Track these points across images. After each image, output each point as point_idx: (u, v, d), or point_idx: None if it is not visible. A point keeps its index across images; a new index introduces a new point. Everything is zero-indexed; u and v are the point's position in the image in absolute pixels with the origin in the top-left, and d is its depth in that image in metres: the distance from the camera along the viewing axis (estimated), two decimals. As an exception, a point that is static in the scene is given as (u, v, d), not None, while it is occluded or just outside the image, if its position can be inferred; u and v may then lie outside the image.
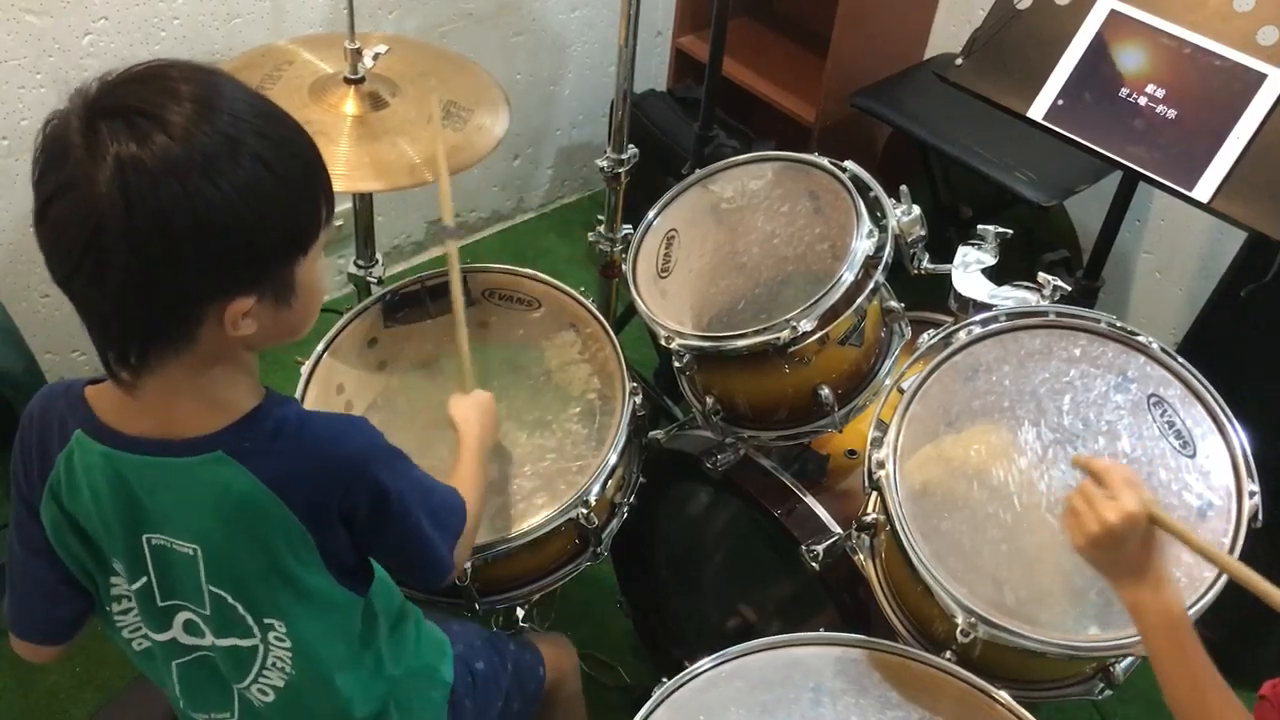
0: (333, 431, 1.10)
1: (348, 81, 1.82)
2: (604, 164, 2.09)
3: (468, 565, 1.50)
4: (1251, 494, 1.36)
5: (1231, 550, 1.33)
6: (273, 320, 1.02)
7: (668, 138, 2.80)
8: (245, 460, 1.04)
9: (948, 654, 1.38)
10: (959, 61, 1.78)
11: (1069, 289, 1.61)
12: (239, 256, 0.96)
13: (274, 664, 1.16)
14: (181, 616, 1.13)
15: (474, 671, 1.44)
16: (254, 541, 1.07)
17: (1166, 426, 1.42)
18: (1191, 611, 1.29)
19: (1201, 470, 1.39)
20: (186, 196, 0.90)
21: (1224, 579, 1.31)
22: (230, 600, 1.11)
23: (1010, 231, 1.68)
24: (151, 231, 0.90)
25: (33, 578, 1.14)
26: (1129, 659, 1.44)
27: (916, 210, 1.63)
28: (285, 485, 1.05)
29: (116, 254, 0.91)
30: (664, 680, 1.34)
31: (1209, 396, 1.42)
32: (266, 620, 1.13)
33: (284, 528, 1.06)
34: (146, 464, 1.04)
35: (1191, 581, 1.32)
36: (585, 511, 1.57)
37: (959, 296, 1.64)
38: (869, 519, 1.49)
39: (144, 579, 1.11)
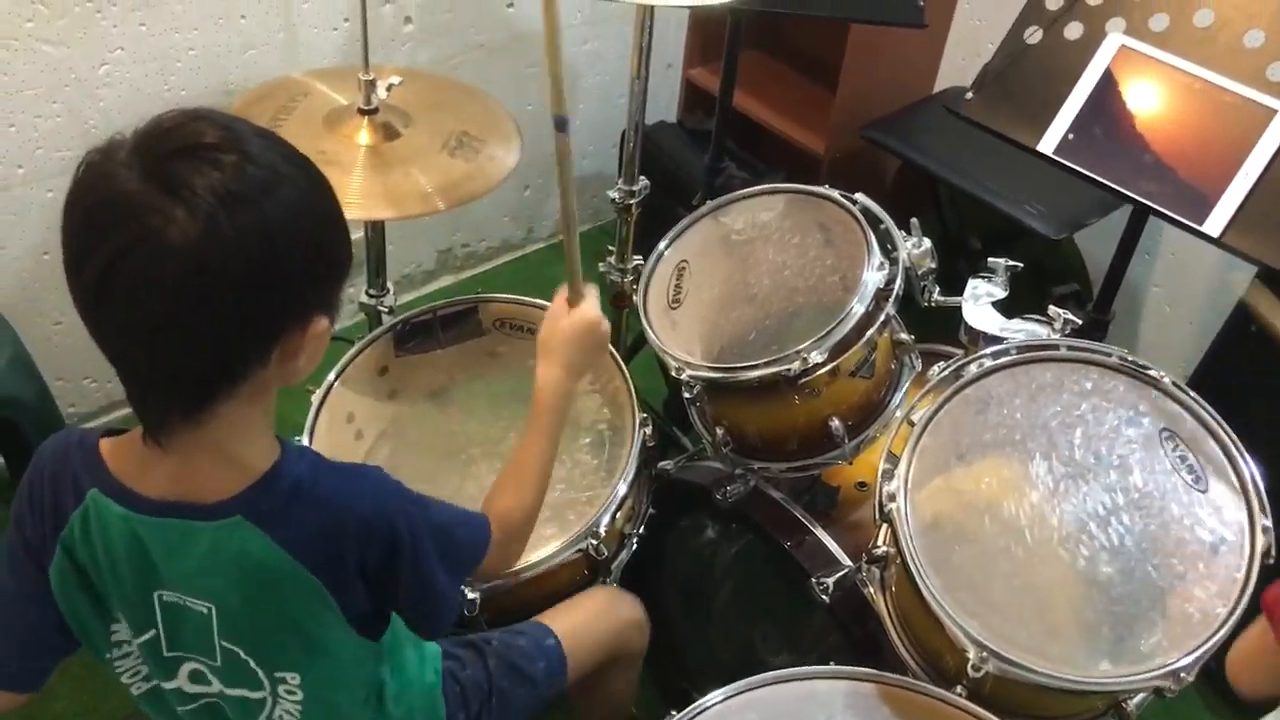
0: (347, 488, 1.09)
1: (361, 113, 1.84)
2: (615, 195, 2.10)
3: (474, 596, 1.50)
4: (1265, 529, 1.35)
5: (1245, 586, 1.32)
6: (316, 346, 1.02)
7: (678, 169, 2.82)
8: (264, 524, 1.03)
9: (958, 688, 1.37)
10: (969, 95, 1.78)
11: (1080, 322, 1.61)
12: (328, 268, 0.99)
13: (282, 716, 1.16)
14: (187, 667, 1.13)
15: (461, 680, 1.42)
16: (271, 603, 1.07)
17: (1179, 461, 1.41)
18: (1205, 647, 1.29)
19: (1214, 505, 1.38)
20: (282, 209, 0.92)
21: (1236, 616, 1.30)
22: (242, 655, 1.10)
23: (1020, 265, 1.68)
24: (263, 255, 0.91)
25: (25, 626, 1.12)
26: (1141, 695, 1.43)
27: (927, 243, 1.63)
28: (303, 547, 1.05)
29: (219, 294, 0.90)
30: (673, 714, 1.33)
31: (1221, 431, 1.42)
32: (278, 674, 1.13)
33: (302, 589, 1.06)
34: (164, 526, 1.04)
35: (1205, 618, 1.31)
36: (595, 542, 1.56)
37: (969, 329, 1.64)
38: (880, 551, 1.48)
39: (152, 632, 1.10)
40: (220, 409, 0.99)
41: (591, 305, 1.37)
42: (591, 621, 1.55)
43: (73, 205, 0.92)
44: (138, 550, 1.05)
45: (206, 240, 0.87)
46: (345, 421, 1.72)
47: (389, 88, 1.85)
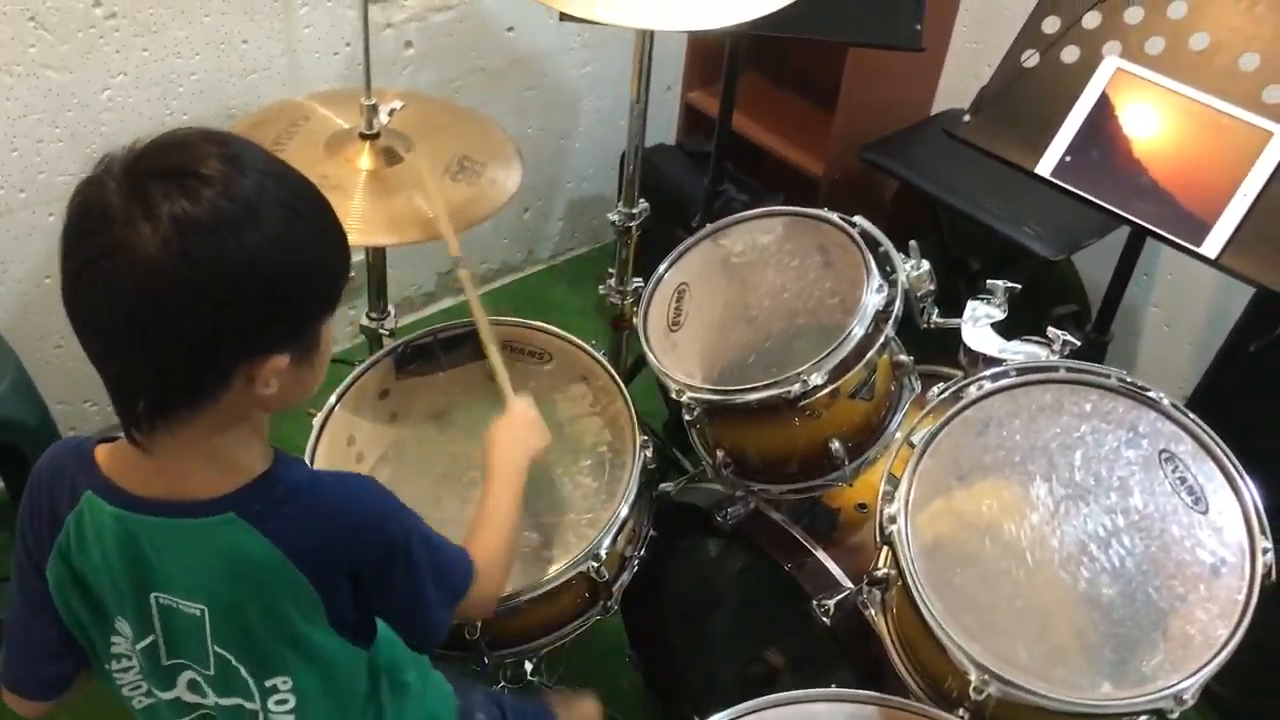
0: (342, 492, 1.11)
1: (363, 137, 1.85)
2: (615, 218, 2.11)
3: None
4: (1265, 550, 1.34)
5: (1246, 607, 1.32)
6: (293, 380, 1.04)
7: (677, 191, 2.83)
8: (256, 522, 1.05)
9: (961, 711, 1.37)
10: (967, 118, 1.79)
11: (1079, 344, 1.61)
12: (287, 311, 0.99)
13: None
14: (186, 676, 1.13)
15: None
16: (262, 602, 1.07)
17: (1178, 482, 1.42)
18: (1207, 669, 1.29)
19: (1214, 526, 1.38)
20: (242, 248, 0.93)
21: (1238, 637, 1.30)
22: (234, 663, 1.10)
23: (1019, 286, 1.69)
24: (213, 287, 0.92)
25: (33, 634, 1.14)
26: (1144, 717, 1.42)
27: (926, 265, 1.64)
28: (295, 547, 1.06)
29: (171, 313, 0.92)
30: (675, 736, 1.33)
31: (1220, 452, 1.42)
32: (269, 683, 1.12)
33: (293, 589, 1.07)
34: (157, 525, 1.05)
35: (1206, 639, 1.31)
36: (596, 565, 1.56)
37: (969, 351, 1.64)
38: (881, 573, 1.48)
39: (151, 638, 1.11)
40: (190, 419, 1.00)
41: (513, 409, 1.53)
42: (568, 712, 1.62)
43: (71, 207, 0.96)
44: (132, 550, 1.05)
45: (162, 262, 0.90)
46: (346, 444, 1.72)
47: (391, 112, 1.86)
